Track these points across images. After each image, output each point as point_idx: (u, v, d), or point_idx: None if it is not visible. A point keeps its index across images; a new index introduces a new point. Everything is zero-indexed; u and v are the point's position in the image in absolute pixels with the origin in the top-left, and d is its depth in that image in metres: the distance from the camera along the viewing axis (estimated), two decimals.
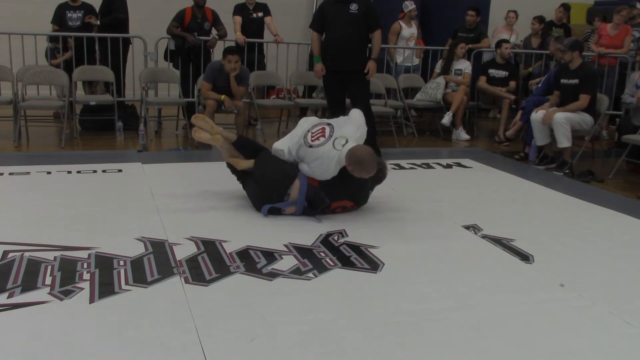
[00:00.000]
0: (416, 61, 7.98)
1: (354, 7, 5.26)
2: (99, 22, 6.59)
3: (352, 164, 3.50)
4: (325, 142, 3.61)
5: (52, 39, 6.73)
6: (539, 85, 6.46)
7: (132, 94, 6.99)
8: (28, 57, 6.53)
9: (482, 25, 8.11)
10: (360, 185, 3.71)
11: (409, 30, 7.90)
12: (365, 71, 5.35)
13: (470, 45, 7.50)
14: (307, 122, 3.87)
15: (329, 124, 3.76)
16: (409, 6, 7.78)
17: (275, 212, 3.67)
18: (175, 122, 6.96)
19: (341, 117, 3.96)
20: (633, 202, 4.59)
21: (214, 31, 6.82)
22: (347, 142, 3.58)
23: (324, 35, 5.54)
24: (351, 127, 3.74)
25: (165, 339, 2.20)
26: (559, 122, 5.47)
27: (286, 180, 3.65)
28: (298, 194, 3.61)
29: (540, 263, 3.12)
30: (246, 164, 3.80)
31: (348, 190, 3.70)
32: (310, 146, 3.63)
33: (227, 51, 5.87)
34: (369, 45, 5.48)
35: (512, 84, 7.28)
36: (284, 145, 3.79)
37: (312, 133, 3.70)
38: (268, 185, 3.68)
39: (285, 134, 6.94)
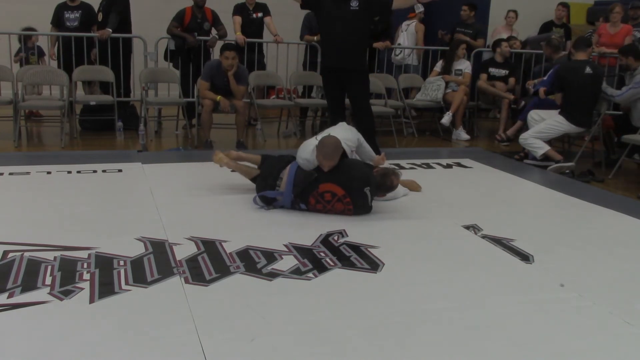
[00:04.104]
0: (416, 61, 8.04)
1: (354, 3, 5.17)
2: (110, 31, 6.52)
3: (317, 147, 3.67)
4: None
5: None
6: (545, 79, 6.41)
7: (132, 94, 7.00)
8: None
9: (480, 23, 8.11)
10: (349, 172, 3.69)
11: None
12: None
13: (468, 39, 7.52)
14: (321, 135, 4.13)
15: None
16: (421, 7, 7.85)
17: (267, 201, 3.76)
18: (175, 122, 6.97)
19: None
20: (633, 202, 4.59)
21: (213, 31, 6.82)
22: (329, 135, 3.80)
23: (321, 32, 5.49)
24: (340, 129, 3.98)
25: (165, 339, 2.19)
26: (522, 143, 5.82)
27: (280, 163, 3.83)
28: (287, 176, 3.70)
29: (540, 263, 3.12)
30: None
31: (336, 170, 3.68)
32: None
33: (224, 47, 5.88)
34: (369, 42, 5.42)
35: (512, 81, 7.30)
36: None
37: None
38: (265, 171, 3.86)
39: (285, 134, 7.02)
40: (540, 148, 5.64)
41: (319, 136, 3.83)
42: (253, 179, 4.02)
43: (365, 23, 5.26)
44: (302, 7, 5.47)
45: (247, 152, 4.31)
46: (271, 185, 3.76)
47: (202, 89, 5.89)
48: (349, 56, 5.22)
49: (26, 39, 6.78)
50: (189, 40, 6.60)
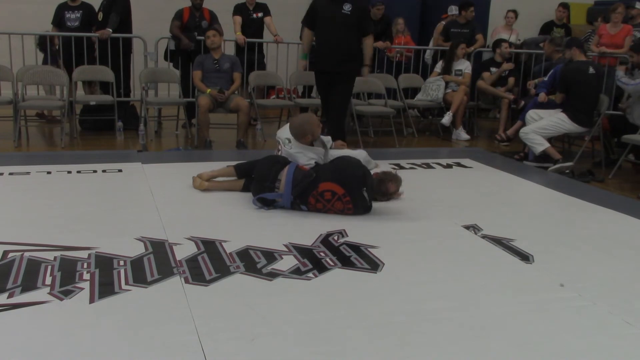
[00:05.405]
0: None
1: (347, 7, 5.13)
2: (110, 31, 6.52)
3: (294, 134, 3.92)
4: None
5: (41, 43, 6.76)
6: (545, 79, 6.41)
7: (132, 94, 7.00)
8: (28, 57, 6.54)
9: (475, 21, 8.12)
10: (346, 170, 3.72)
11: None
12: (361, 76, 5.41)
13: (469, 49, 7.53)
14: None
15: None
16: (454, 10, 7.94)
17: (266, 202, 3.76)
18: (175, 122, 6.97)
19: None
20: (633, 202, 4.59)
21: None
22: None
23: (316, 35, 5.49)
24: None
25: (165, 339, 2.19)
26: (522, 137, 5.80)
27: (276, 166, 3.82)
28: (285, 177, 3.70)
29: (540, 263, 3.12)
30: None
31: (334, 169, 3.71)
32: None
33: (207, 29, 6.26)
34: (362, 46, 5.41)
35: (511, 81, 7.30)
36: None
37: None
38: (260, 175, 3.85)
39: None
40: (541, 144, 5.61)
41: (284, 147, 4.05)
42: (245, 188, 4.02)
43: (356, 27, 5.24)
44: (306, 25, 5.57)
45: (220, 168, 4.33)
46: (269, 188, 3.75)
47: (196, 79, 6.09)
48: (337, 59, 5.22)
49: (46, 43, 6.75)
50: (183, 43, 6.60)
